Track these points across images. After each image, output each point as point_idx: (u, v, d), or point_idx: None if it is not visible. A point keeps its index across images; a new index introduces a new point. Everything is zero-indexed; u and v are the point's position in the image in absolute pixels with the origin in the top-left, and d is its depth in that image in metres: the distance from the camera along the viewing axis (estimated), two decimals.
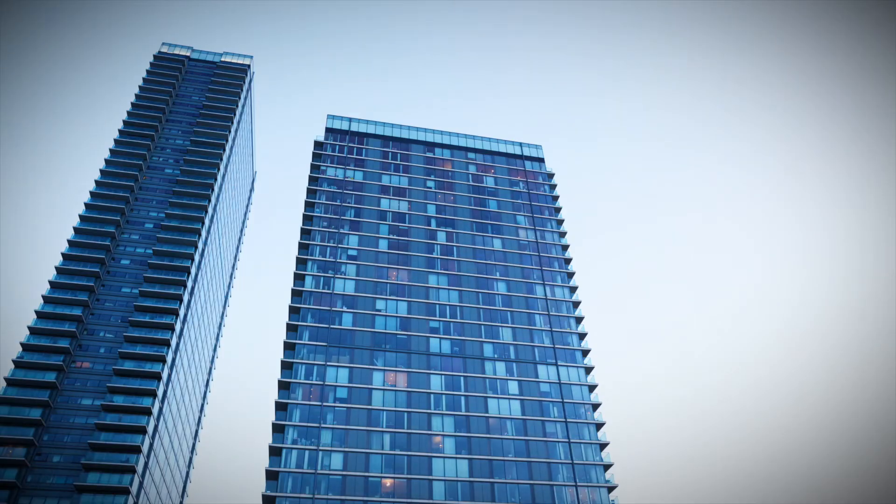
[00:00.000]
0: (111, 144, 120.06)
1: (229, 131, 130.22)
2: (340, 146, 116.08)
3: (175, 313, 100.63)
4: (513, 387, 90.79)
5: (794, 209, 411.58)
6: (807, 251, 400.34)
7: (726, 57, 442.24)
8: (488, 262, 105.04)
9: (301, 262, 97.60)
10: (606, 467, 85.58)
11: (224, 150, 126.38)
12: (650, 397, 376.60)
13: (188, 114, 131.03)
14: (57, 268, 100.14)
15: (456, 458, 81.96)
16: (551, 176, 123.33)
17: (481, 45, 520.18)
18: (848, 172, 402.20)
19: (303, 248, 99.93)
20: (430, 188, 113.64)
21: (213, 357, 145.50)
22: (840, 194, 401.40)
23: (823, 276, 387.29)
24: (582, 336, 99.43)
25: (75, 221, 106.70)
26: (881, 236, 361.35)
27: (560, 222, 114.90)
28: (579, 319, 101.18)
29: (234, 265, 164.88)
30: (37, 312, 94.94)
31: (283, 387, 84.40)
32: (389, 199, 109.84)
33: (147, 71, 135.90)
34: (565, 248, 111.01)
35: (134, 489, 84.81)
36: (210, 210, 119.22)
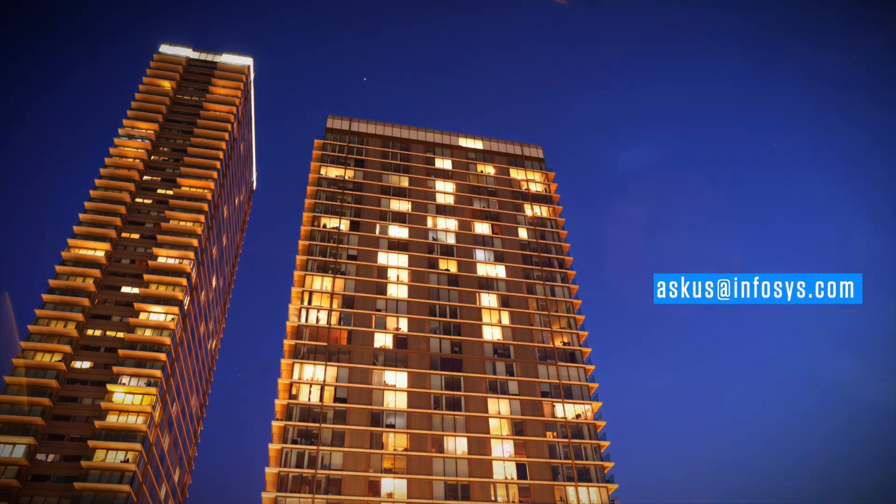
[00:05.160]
0: (111, 144, 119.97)
1: (229, 131, 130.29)
2: (340, 146, 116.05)
3: (175, 313, 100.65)
4: (513, 387, 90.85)
5: (821, 212, 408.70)
6: (839, 257, 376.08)
7: (735, 50, 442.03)
8: (488, 261, 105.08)
9: (301, 263, 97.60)
10: (606, 467, 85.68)
11: (224, 149, 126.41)
12: (650, 396, 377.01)
13: (188, 114, 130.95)
14: (57, 268, 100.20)
15: (456, 458, 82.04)
16: (552, 176, 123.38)
17: (482, 44, 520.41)
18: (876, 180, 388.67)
19: (303, 248, 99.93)
20: (430, 188, 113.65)
21: (213, 357, 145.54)
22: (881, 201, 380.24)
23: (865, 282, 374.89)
24: (582, 336, 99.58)
25: (75, 221, 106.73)
26: None
27: (560, 222, 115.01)
28: (579, 319, 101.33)
29: (234, 265, 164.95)
30: (37, 312, 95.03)
31: (283, 387, 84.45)
32: (390, 198, 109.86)
33: (146, 70, 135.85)
34: (565, 248, 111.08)
35: (134, 489, 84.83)
36: (210, 210, 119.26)
